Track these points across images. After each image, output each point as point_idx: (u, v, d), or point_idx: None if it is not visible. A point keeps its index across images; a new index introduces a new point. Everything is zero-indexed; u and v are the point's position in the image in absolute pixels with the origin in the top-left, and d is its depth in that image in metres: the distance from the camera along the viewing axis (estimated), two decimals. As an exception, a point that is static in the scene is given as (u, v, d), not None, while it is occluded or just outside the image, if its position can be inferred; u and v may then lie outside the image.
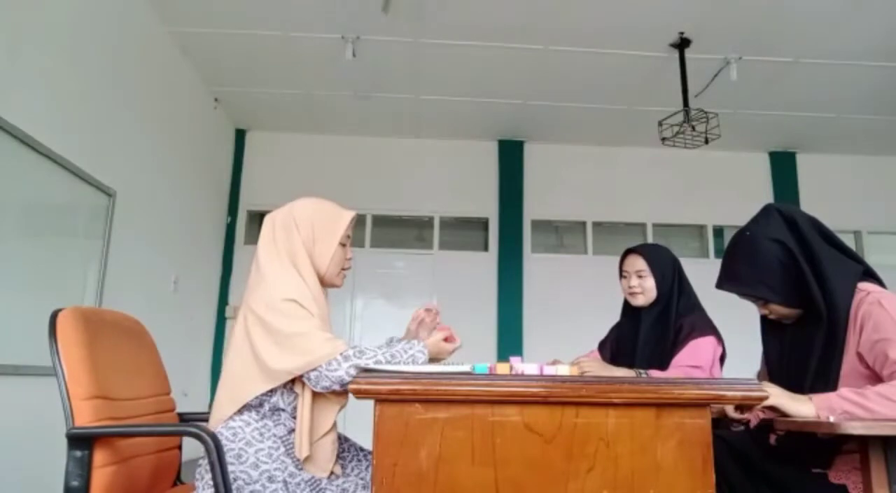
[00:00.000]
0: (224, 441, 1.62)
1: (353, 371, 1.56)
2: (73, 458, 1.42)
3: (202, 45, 4.75)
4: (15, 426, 2.88)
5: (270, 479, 1.58)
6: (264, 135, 6.34)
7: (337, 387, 1.60)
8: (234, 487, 1.57)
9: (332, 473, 1.67)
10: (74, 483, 1.41)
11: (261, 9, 4.28)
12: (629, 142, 6.31)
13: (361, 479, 1.74)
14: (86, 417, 1.46)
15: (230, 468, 1.59)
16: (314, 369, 1.58)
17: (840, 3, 4.12)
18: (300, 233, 1.75)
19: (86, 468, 1.42)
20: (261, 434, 1.63)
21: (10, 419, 2.87)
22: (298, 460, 1.63)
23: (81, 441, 1.43)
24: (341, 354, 1.59)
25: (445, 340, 1.77)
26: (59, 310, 1.54)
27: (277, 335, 1.61)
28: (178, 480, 1.87)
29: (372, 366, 1.45)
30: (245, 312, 1.69)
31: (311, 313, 1.64)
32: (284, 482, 1.59)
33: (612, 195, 6.39)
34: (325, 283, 1.81)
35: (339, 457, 1.75)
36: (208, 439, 1.44)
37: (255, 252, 1.77)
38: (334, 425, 1.70)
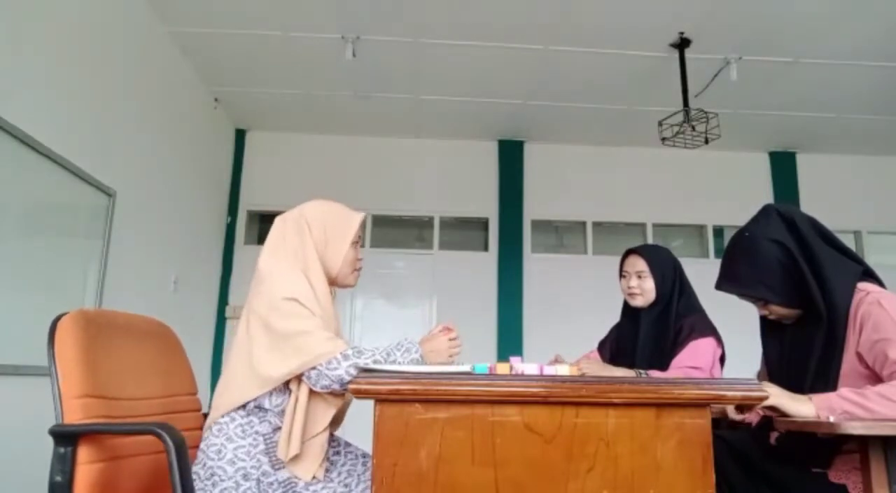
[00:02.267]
0: (210, 437, 1.63)
1: (352, 370, 1.56)
2: (56, 454, 1.43)
3: (202, 45, 4.75)
4: (15, 426, 2.88)
5: (245, 477, 1.58)
6: (264, 135, 6.34)
7: (337, 386, 1.60)
8: (209, 482, 1.57)
9: (313, 477, 1.65)
10: (58, 479, 1.42)
11: (261, 9, 4.28)
12: (629, 142, 6.31)
13: (344, 486, 1.71)
14: (76, 415, 1.46)
15: (209, 462, 1.59)
16: (314, 368, 1.58)
17: (840, 3, 4.12)
18: (312, 235, 1.76)
19: (68, 465, 1.43)
20: (243, 431, 1.63)
21: (10, 420, 2.87)
22: (276, 459, 1.62)
23: (64, 438, 1.44)
24: (341, 353, 1.59)
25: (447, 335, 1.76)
26: (64, 314, 1.54)
27: (277, 337, 1.61)
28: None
29: (371, 365, 1.45)
30: (247, 313, 1.70)
31: (313, 313, 1.64)
32: (258, 480, 1.58)
33: (612, 195, 6.38)
34: (337, 283, 1.82)
35: (327, 460, 1.73)
36: (167, 438, 1.42)
37: (260, 253, 1.78)
38: (326, 428, 1.69)
